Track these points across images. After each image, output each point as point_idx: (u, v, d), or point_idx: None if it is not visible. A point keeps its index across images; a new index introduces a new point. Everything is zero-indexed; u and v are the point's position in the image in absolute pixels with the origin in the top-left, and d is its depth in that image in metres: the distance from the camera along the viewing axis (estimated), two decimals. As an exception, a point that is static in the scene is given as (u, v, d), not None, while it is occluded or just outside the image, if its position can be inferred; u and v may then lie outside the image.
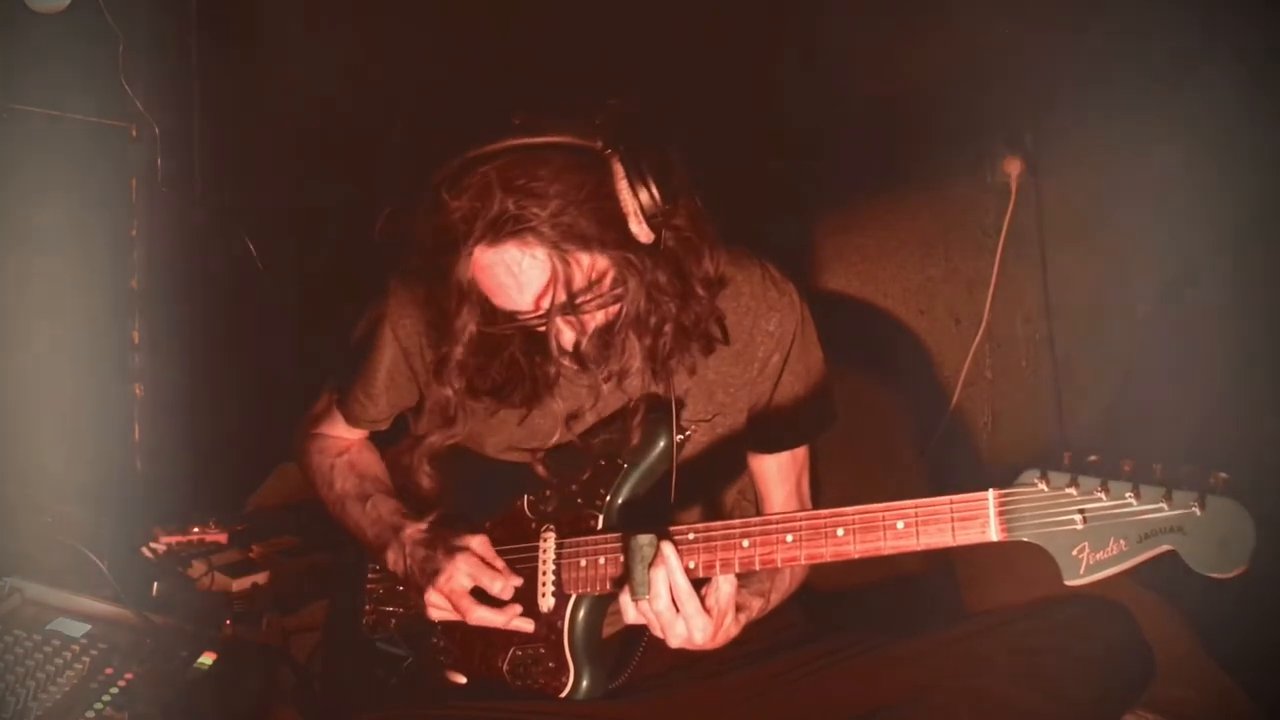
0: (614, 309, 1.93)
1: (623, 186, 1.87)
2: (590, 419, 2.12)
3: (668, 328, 1.98)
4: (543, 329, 1.93)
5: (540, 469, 2.10)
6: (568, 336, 1.94)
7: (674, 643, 1.92)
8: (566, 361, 1.99)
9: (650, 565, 1.89)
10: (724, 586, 1.90)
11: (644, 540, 1.90)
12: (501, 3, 3.52)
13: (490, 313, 1.95)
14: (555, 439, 2.13)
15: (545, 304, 1.88)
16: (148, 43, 3.37)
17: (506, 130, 1.87)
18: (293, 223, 3.60)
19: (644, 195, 1.87)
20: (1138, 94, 3.09)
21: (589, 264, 1.88)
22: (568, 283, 1.86)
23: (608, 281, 1.90)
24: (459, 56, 3.49)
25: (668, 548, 1.88)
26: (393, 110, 3.43)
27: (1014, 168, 3.30)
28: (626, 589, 1.92)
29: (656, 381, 2.05)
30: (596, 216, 1.85)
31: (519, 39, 3.47)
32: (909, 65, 3.32)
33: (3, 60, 3.13)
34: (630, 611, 1.93)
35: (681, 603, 1.89)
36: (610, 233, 1.87)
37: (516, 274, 1.87)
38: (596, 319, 1.94)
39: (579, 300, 1.88)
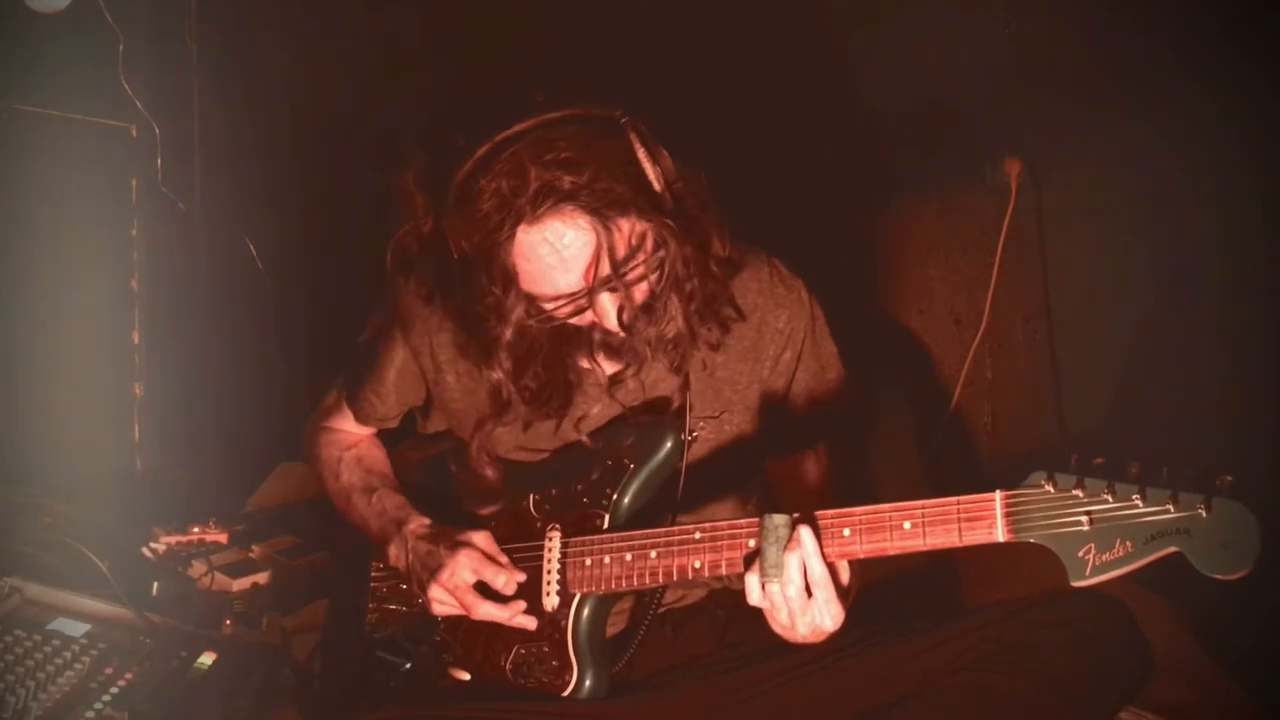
0: (653, 277, 1.93)
1: (642, 153, 1.90)
2: (598, 420, 2.12)
3: (694, 304, 1.98)
4: (580, 317, 1.93)
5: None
6: (611, 314, 1.94)
7: (801, 630, 1.88)
8: (601, 359, 2.01)
9: (785, 548, 1.84)
10: (843, 576, 1.87)
11: (780, 521, 1.85)
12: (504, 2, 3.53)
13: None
14: (565, 438, 2.13)
15: (592, 277, 1.88)
16: (148, 43, 3.37)
17: (530, 108, 1.88)
18: (293, 223, 3.60)
19: (663, 161, 1.91)
20: (1137, 94, 3.09)
21: (628, 229, 1.88)
22: (611, 251, 1.87)
23: (648, 245, 1.91)
24: (459, 54, 3.49)
25: (805, 531, 1.83)
26: (393, 109, 3.43)
27: (1014, 168, 3.30)
28: (755, 568, 1.87)
29: (678, 359, 2.04)
30: (628, 182, 1.87)
31: (521, 36, 3.47)
32: (910, 67, 3.33)
33: (3, 60, 3.13)
34: (755, 593, 1.87)
35: (816, 589, 1.84)
36: (642, 197, 1.88)
37: (559, 250, 1.87)
38: (639, 291, 1.94)
39: (623, 269, 1.88)
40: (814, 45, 3.41)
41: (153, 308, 3.48)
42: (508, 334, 1.96)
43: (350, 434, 2.34)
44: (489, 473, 2.12)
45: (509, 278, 1.90)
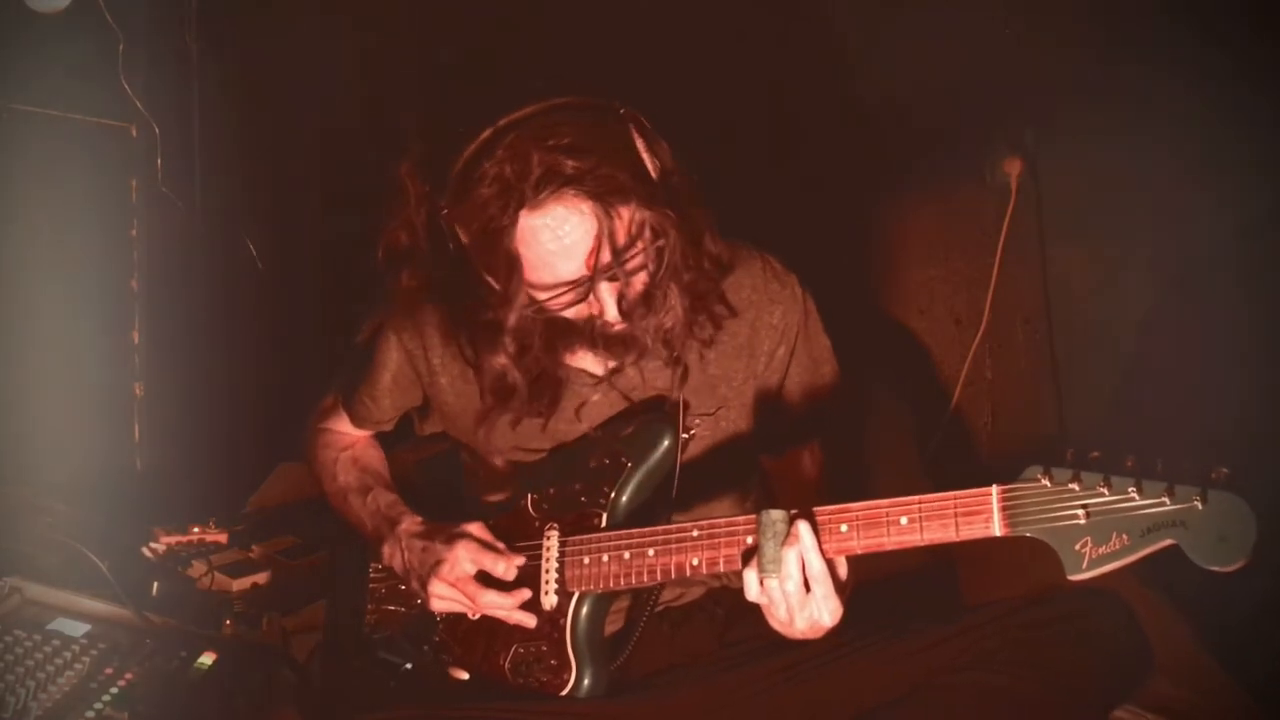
0: (652, 267, 1.93)
1: (641, 144, 1.90)
2: (590, 418, 2.11)
3: (691, 297, 1.98)
4: (577, 311, 1.92)
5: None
6: (610, 304, 1.93)
7: (799, 626, 1.87)
8: (594, 355, 2.00)
9: (783, 543, 1.84)
10: (841, 571, 1.87)
11: (777, 516, 1.84)
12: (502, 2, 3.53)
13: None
14: (557, 438, 2.12)
15: (592, 265, 1.87)
16: (148, 43, 3.38)
17: (531, 95, 1.88)
18: (292, 223, 3.61)
19: (661, 153, 1.91)
20: (1137, 94, 3.09)
21: (629, 217, 1.88)
22: (612, 237, 1.86)
23: (647, 234, 1.90)
24: (458, 51, 3.49)
25: (803, 525, 1.83)
26: (393, 108, 3.43)
27: (1014, 168, 3.30)
28: (753, 564, 1.86)
29: (677, 351, 2.04)
30: (629, 170, 1.87)
31: (520, 35, 3.47)
32: (910, 66, 3.33)
33: (3, 60, 3.14)
34: (753, 589, 1.87)
35: (815, 584, 1.84)
36: (642, 186, 1.88)
37: (561, 236, 1.86)
38: (638, 281, 1.93)
39: (624, 257, 1.88)
40: (814, 44, 3.41)
41: (153, 308, 3.48)
42: (512, 318, 1.93)
43: (347, 435, 2.34)
44: (498, 462, 2.11)
45: (513, 263, 1.89)
